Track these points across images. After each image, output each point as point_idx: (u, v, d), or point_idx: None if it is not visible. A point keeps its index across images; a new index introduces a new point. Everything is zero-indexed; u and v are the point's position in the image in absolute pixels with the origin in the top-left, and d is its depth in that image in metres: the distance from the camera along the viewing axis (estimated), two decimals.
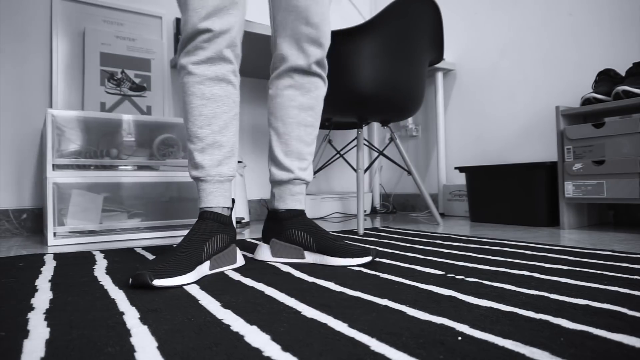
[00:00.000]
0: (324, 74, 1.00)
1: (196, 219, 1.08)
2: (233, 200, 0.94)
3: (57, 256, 1.09)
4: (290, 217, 0.97)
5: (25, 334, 0.50)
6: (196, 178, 0.89)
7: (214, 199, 0.88)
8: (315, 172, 1.94)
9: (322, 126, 1.88)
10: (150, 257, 1.05)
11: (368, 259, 0.90)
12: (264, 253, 0.99)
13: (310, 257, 0.94)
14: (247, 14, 2.30)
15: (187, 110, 0.88)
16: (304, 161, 0.99)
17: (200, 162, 0.87)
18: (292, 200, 0.98)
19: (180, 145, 1.63)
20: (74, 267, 0.93)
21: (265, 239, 1.00)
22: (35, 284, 0.77)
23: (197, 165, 0.88)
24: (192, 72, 0.86)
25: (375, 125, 2.67)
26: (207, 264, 0.82)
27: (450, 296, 0.64)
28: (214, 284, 0.74)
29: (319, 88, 0.99)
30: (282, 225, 0.97)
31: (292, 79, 0.97)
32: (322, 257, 0.92)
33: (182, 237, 1.52)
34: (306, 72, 0.97)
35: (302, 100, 0.98)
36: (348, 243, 0.93)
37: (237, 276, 0.81)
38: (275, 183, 0.99)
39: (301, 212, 0.98)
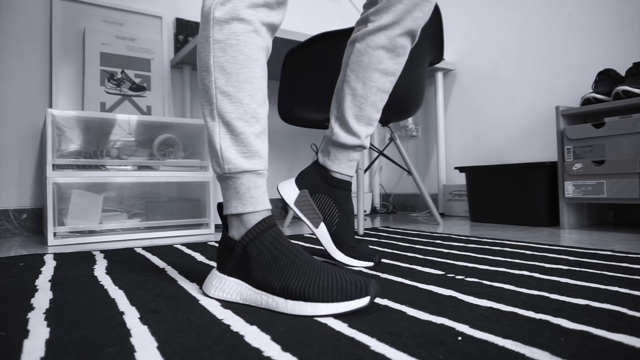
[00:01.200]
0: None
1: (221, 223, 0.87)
2: None
3: (57, 256, 1.09)
4: (339, 187, 0.91)
5: (25, 334, 0.50)
6: (250, 171, 0.66)
7: (266, 199, 0.69)
8: None
9: (322, 126, 1.88)
10: (151, 257, 1.05)
11: (370, 264, 0.89)
12: (289, 191, 0.91)
13: (320, 235, 0.89)
14: None
15: (232, 73, 0.66)
16: (371, 127, 0.93)
17: (258, 150, 0.67)
18: (348, 166, 0.92)
19: (180, 145, 1.63)
20: (74, 267, 0.93)
21: (300, 183, 0.93)
22: (35, 283, 0.77)
23: (253, 153, 0.67)
24: (247, 18, 0.67)
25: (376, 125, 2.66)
26: None
27: (450, 296, 0.64)
28: None
29: (407, 55, 0.92)
30: (327, 188, 0.91)
31: (388, 39, 0.87)
32: (329, 242, 0.89)
33: (182, 237, 1.52)
34: (407, 35, 0.88)
35: (389, 64, 0.89)
36: (360, 243, 0.92)
37: None
38: (336, 144, 0.91)
39: (349, 186, 0.93)
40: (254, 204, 0.66)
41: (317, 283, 0.58)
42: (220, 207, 0.70)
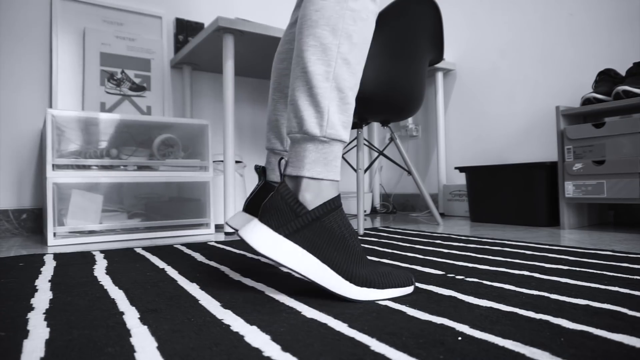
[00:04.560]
0: None
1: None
2: None
3: (57, 256, 1.09)
4: None
5: (25, 334, 0.50)
6: (343, 142, 0.68)
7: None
8: None
9: None
10: (151, 257, 1.05)
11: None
12: None
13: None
14: (245, 15, 2.30)
15: (357, 44, 0.66)
16: None
17: (351, 124, 0.69)
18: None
19: (180, 145, 1.63)
20: (74, 267, 0.93)
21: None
22: (35, 284, 0.77)
23: (349, 125, 0.68)
24: (377, 1, 0.69)
25: (375, 125, 2.67)
26: None
27: (450, 296, 0.63)
28: (214, 284, 0.74)
29: None
30: None
31: None
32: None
33: (182, 237, 1.52)
34: None
35: None
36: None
37: (237, 276, 0.81)
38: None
39: None
40: (336, 173, 0.66)
41: (377, 271, 0.63)
42: (280, 162, 0.70)
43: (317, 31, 0.65)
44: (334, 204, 0.64)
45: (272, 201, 0.65)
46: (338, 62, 0.65)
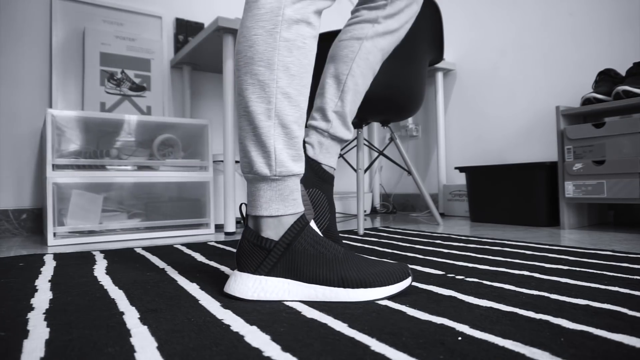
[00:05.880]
0: None
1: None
2: None
3: (57, 256, 1.09)
4: (327, 181, 0.92)
5: (25, 334, 0.50)
6: (297, 175, 0.67)
7: (301, 202, 0.71)
8: None
9: None
10: (151, 257, 1.05)
11: None
12: None
13: None
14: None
15: (296, 76, 0.66)
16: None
17: (302, 153, 0.70)
18: (335, 159, 0.95)
19: (180, 145, 1.63)
20: (74, 267, 0.93)
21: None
22: (35, 284, 0.77)
23: (300, 157, 0.68)
24: (314, 23, 0.68)
25: (375, 125, 2.67)
26: None
27: (450, 296, 0.63)
28: (214, 284, 0.74)
29: None
30: (320, 183, 0.91)
31: (390, 44, 0.95)
32: None
33: (182, 237, 1.52)
34: (397, 43, 0.98)
35: (378, 67, 0.96)
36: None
37: None
38: (335, 137, 0.93)
39: (333, 180, 0.95)
40: (295, 207, 0.66)
41: (368, 270, 0.64)
42: (241, 207, 0.70)
43: (253, 68, 0.64)
44: (298, 227, 0.65)
45: (241, 248, 0.66)
46: (278, 98, 0.64)
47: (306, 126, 0.93)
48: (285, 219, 0.65)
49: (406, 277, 0.65)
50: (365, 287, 0.62)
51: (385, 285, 0.63)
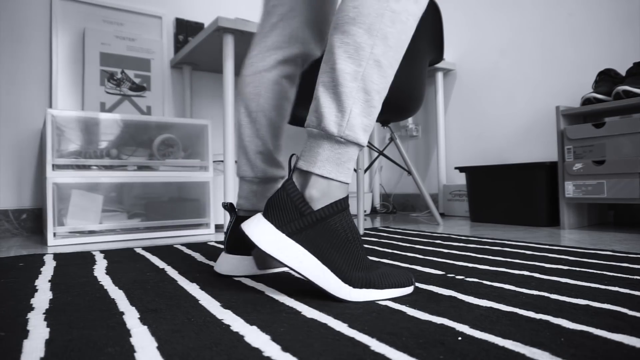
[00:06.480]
0: None
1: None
2: None
3: (57, 256, 1.09)
4: None
5: (25, 334, 0.50)
6: (360, 146, 0.65)
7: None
8: None
9: None
10: (151, 257, 1.05)
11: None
12: None
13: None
14: (245, 15, 2.30)
15: (392, 48, 0.64)
16: None
17: (371, 125, 0.66)
18: None
19: (180, 145, 1.63)
20: (74, 267, 0.93)
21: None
22: (35, 284, 0.77)
23: (369, 130, 0.66)
24: (422, 2, 0.66)
25: (375, 125, 2.67)
26: None
27: (450, 296, 0.63)
28: (214, 284, 0.74)
29: None
30: None
31: None
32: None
33: (182, 237, 1.52)
34: None
35: None
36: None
37: (237, 276, 0.81)
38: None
39: None
40: (347, 176, 0.64)
41: (376, 272, 0.64)
42: (291, 158, 0.68)
43: (352, 29, 0.63)
44: (341, 206, 0.63)
45: (277, 198, 0.64)
46: (369, 63, 0.63)
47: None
48: (334, 186, 0.63)
49: (409, 285, 0.65)
50: (368, 287, 0.62)
51: (389, 288, 0.63)
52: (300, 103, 1.63)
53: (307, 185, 0.63)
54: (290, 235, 0.62)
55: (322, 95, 0.64)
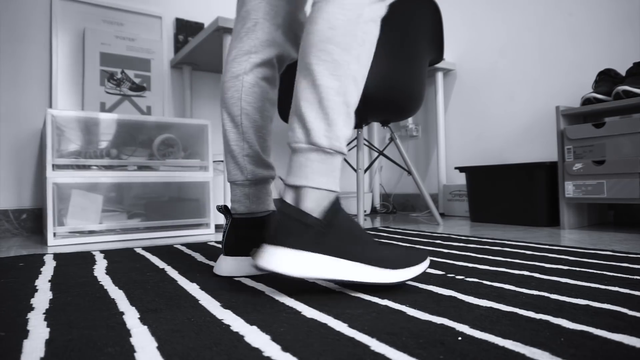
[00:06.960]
0: None
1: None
2: None
3: (57, 256, 1.09)
4: None
5: (25, 334, 0.50)
6: (344, 156, 0.70)
7: None
8: None
9: None
10: (151, 257, 1.05)
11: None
12: None
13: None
14: None
15: (363, 66, 0.70)
16: None
17: (349, 136, 0.71)
18: None
19: (180, 145, 1.63)
20: (74, 267, 0.93)
21: None
22: (35, 284, 0.77)
23: (347, 141, 0.70)
24: (379, 24, 0.72)
25: (375, 125, 2.67)
26: None
27: (450, 296, 0.63)
28: (214, 284, 0.74)
29: None
30: None
31: None
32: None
33: (182, 237, 1.52)
34: None
35: None
36: None
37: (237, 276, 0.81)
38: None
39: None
40: (336, 185, 0.68)
41: (394, 253, 0.67)
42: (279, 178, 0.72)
43: (329, 47, 0.66)
44: (337, 205, 0.66)
45: (279, 222, 0.65)
46: (348, 79, 0.67)
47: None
48: (324, 195, 0.66)
49: (424, 259, 0.70)
50: (398, 267, 0.66)
51: (408, 267, 0.67)
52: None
53: (300, 199, 0.65)
54: (312, 250, 0.63)
55: (308, 112, 0.66)
